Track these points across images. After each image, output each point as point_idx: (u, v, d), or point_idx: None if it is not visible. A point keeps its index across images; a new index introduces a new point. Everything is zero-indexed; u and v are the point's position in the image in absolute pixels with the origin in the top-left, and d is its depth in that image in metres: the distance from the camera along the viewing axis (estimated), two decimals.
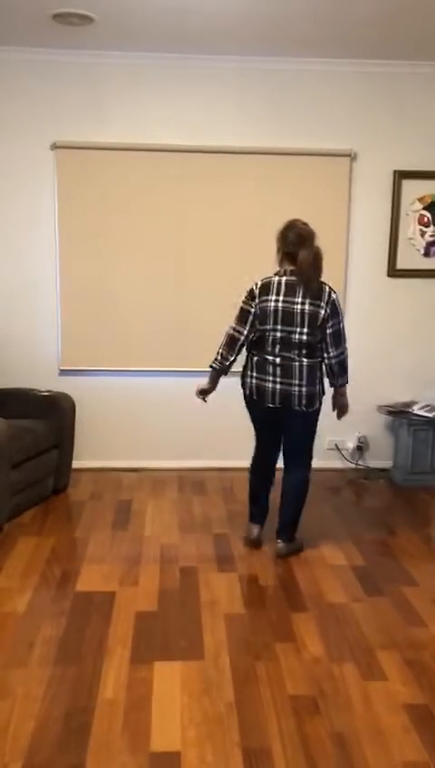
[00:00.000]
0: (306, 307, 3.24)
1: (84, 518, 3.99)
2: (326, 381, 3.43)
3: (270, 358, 3.32)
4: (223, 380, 3.49)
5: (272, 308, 3.26)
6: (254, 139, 4.64)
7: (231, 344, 3.38)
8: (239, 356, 3.43)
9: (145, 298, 4.75)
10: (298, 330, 3.25)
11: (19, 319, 4.76)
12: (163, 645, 2.68)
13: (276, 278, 3.30)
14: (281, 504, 3.52)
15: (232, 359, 3.40)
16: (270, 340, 3.31)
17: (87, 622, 2.84)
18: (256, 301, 3.30)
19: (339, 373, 3.39)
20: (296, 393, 3.30)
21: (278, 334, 3.28)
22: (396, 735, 2.18)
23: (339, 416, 3.56)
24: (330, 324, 3.28)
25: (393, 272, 4.84)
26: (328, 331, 3.29)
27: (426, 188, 4.76)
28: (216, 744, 2.13)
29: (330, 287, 3.30)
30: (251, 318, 3.32)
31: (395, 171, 4.73)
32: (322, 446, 4.85)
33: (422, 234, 4.80)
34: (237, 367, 3.47)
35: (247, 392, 3.42)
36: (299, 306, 3.24)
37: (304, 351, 3.29)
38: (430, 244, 4.82)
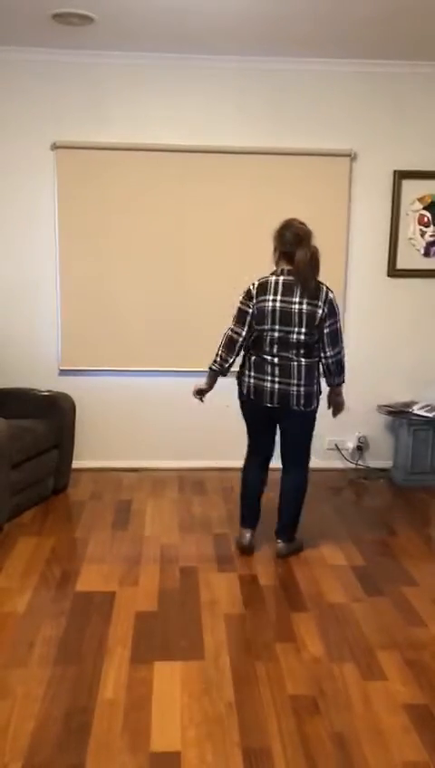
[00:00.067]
0: (304, 307, 3.24)
1: (84, 518, 3.99)
2: (323, 380, 3.43)
3: (268, 357, 3.31)
4: (224, 380, 3.49)
5: (269, 308, 3.26)
6: (254, 139, 4.64)
7: (230, 345, 3.37)
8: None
9: (145, 298, 4.75)
10: (296, 329, 3.25)
11: (19, 319, 4.76)
12: (163, 645, 2.68)
13: (273, 278, 3.30)
14: (280, 504, 3.51)
15: (231, 360, 3.39)
16: (268, 340, 3.30)
17: (87, 622, 2.84)
18: (254, 301, 3.29)
19: (336, 373, 3.39)
20: (295, 393, 3.30)
21: (276, 334, 3.27)
22: (396, 735, 2.18)
23: (335, 413, 3.56)
24: (327, 324, 3.28)
25: (393, 272, 4.84)
26: (325, 331, 3.29)
27: (426, 188, 4.76)
28: (216, 743, 2.13)
29: (327, 287, 3.30)
30: (249, 318, 3.31)
31: (395, 171, 4.73)
32: (322, 446, 4.85)
33: (422, 234, 4.80)
34: (235, 366, 3.46)
35: (244, 391, 3.40)
36: (297, 306, 3.24)
37: (301, 351, 3.29)
38: (430, 244, 4.82)
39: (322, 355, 3.35)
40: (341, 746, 2.13)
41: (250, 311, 3.30)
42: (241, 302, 3.34)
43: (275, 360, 3.30)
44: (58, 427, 4.29)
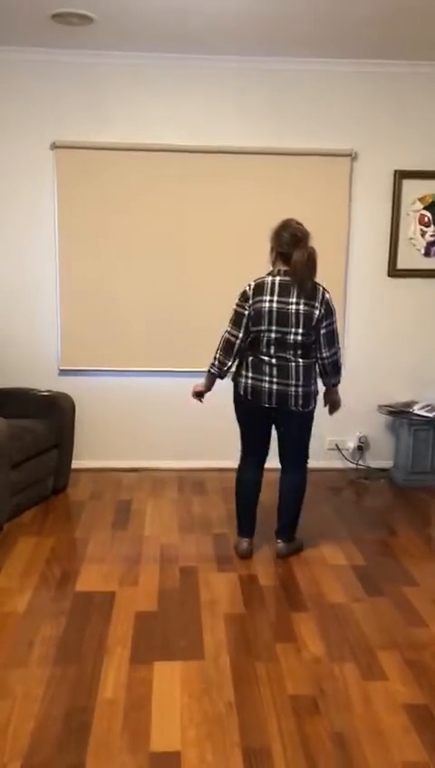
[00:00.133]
0: (301, 307, 3.23)
1: (84, 518, 3.99)
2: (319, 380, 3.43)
3: (266, 358, 3.30)
4: (224, 380, 3.49)
5: (266, 308, 3.25)
6: (254, 139, 4.64)
7: (228, 348, 3.35)
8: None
9: (145, 298, 4.75)
10: (293, 330, 3.24)
11: (19, 319, 4.76)
12: (163, 645, 2.68)
13: (270, 278, 3.29)
14: (279, 504, 3.51)
15: (229, 363, 3.37)
16: (265, 341, 3.29)
17: (87, 622, 2.83)
18: (250, 302, 3.27)
19: (332, 373, 3.39)
20: (293, 393, 3.30)
21: (273, 335, 3.26)
22: (396, 735, 2.18)
23: (331, 411, 3.57)
24: (324, 324, 3.27)
25: (394, 272, 4.83)
26: (322, 332, 3.28)
27: (426, 188, 4.76)
28: (216, 744, 2.12)
29: (323, 287, 3.29)
30: (245, 320, 3.29)
31: (396, 171, 4.73)
32: (322, 446, 4.85)
33: (423, 233, 4.80)
34: (233, 368, 3.46)
35: (241, 392, 3.38)
36: (294, 307, 3.23)
37: (299, 352, 3.28)
38: (430, 244, 4.81)
39: (318, 356, 3.33)
40: (341, 746, 2.12)
41: (246, 312, 3.29)
42: (237, 305, 3.32)
43: (273, 360, 3.30)
44: (58, 426, 4.29)
